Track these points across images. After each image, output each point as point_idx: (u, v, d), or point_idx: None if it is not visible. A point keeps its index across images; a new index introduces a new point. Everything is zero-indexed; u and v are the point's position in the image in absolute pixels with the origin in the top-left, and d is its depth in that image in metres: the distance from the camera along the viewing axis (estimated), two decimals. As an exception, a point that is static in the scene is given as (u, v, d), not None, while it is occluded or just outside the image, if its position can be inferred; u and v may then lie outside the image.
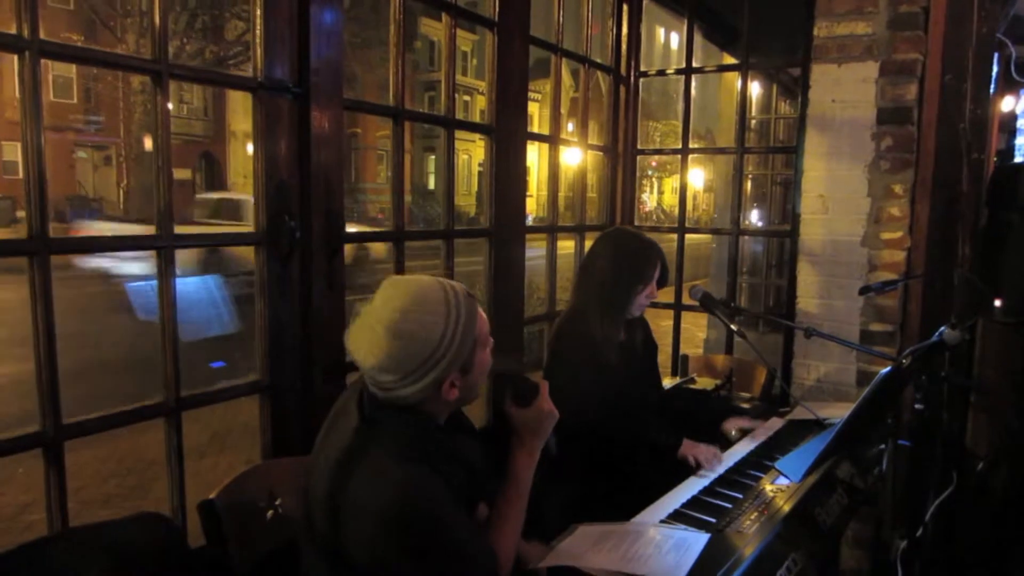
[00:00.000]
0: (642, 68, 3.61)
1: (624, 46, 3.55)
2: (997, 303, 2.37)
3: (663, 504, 1.77)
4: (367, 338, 1.30)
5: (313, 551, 1.33)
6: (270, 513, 1.60)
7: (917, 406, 1.97)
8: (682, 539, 1.49)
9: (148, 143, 19.12)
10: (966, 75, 2.72)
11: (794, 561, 1.57)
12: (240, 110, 25.56)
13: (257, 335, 1.92)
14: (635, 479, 2.12)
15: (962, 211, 2.53)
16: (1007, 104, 4.85)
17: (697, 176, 27.52)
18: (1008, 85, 4.25)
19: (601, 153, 3.57)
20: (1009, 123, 4.88)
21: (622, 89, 3.56)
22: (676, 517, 1.70)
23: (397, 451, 1.26)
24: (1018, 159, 4.60)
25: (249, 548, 1.56)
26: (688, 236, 3.57)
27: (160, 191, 1.68)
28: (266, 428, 1.93)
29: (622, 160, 3.60)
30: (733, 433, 2.32)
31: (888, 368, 1.72)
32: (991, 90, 2.84)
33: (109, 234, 12.08)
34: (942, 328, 1.76)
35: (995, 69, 2.94)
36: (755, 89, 6.48)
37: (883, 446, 2.05)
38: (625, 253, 2.31)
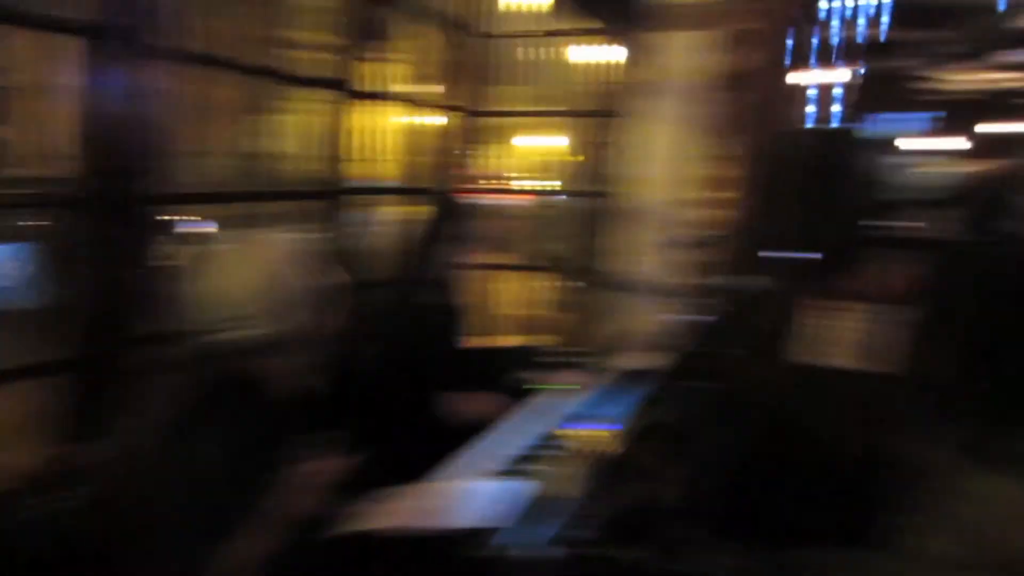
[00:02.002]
0: (494, 29, 3.59)
1: (472, 5, 3.51)
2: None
3: (483, 457, 1.80)
4: None
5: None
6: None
7: (731, 351, 2.12)
8: (500, 489, 1.52)
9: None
10: (784, 48, 2.92)
11: (617, 505, 1.66)
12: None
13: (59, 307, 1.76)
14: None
15: (776, 174, 2.72)
16: (824, 76, 5.27)
17: (558, 141, 28.02)
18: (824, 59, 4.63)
19: (452, 115, 3.53)
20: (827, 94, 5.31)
21: (468, 48, 3.52)
22: (500, 471, 1.74)
23: None
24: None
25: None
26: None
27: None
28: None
29: (466, 122, 3.58)
30: (562, 385, 2.40)
31: (706, 317, 1.83)
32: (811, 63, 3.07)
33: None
34: (755, 280, 1.89)
35: (814, 44, 3.19)
36: (605, 54, 6.62)
37: (701, 388, 2.19)
38: (438, 216, 2.32)
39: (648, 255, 3.00)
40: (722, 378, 2.40)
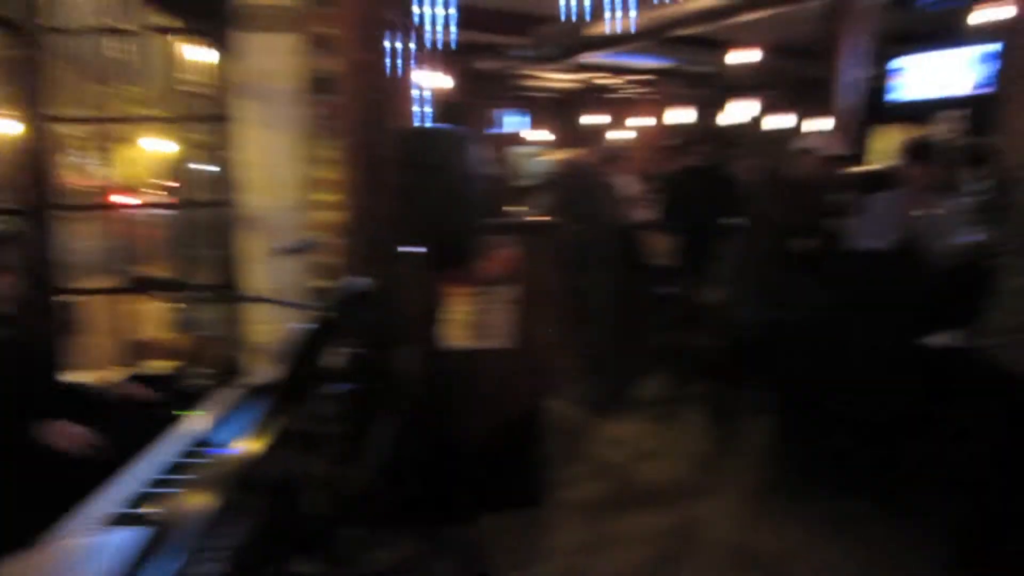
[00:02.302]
0: (56, 24, 3.11)
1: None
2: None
3: (108, 500, 1.62)
4: None
5: None
6: None
7: (357, 351, 2.15)
8: (120, 539, 1.38)
9: None
10: (383, 51, 3.01)
11: (241, 525, 1.58)
12: None
13: None
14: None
15: (383, 173, 2.83)
16: (427, 78, 5.61)
17: (170, 147, 25.69)
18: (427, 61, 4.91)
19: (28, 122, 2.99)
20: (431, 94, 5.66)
21: (32, 48, 3.02)
22: (113, 519, 1.56)
23: None
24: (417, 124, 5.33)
25: None
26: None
27: None
28: None
29: (37, 130, 3.08)
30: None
31: (312, 322, 1.83)
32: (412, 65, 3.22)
33: None
34: (361, 279, 1.95)
35: (412, 47, 3.35)
36: (199, 54, 6.22)
37: (340, 391, 2.20)
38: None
39: (266, 263, 2.91)
40: (359, 375, 2.45)
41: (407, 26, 3.40)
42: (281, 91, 2.88)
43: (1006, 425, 2.18)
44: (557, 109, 12.09)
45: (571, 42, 7.37)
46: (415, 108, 3.69)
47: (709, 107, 10.71)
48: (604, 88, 11.53)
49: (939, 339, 2.74)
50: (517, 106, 10.98)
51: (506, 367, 3.21)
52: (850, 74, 3.81)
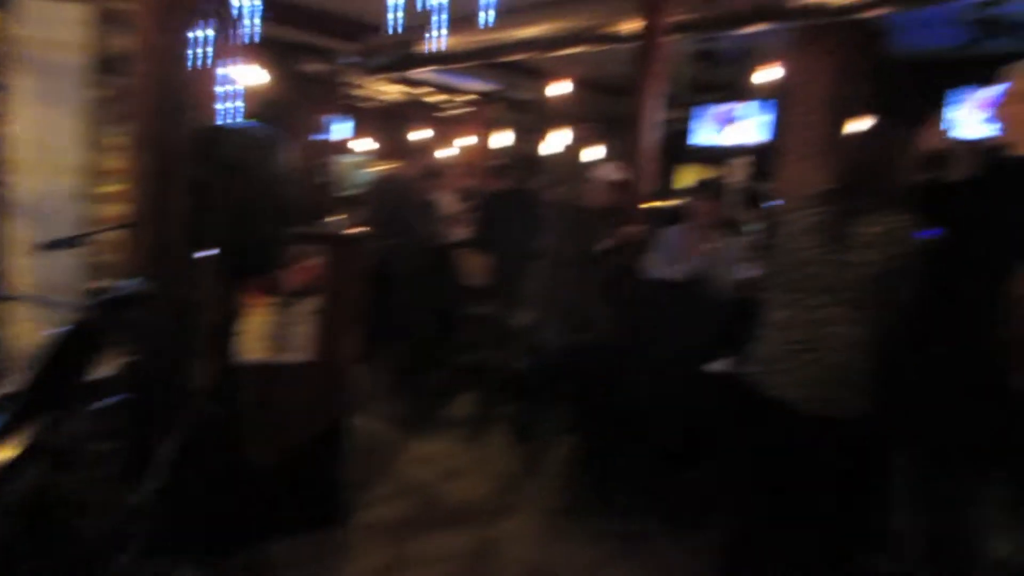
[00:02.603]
0: None
1: None
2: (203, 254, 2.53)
3: None
4: None
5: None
6: None
7: (132, 360, 1.96)
8: None
9: None
10: (185, 37, 2.77)
11: None
12: None
13: None
14: None
15: (175, 167, 2.60)
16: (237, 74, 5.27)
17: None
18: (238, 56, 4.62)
19: None
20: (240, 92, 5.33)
21: None
22: None
23: None
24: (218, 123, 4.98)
25: None
26: None
27: None
28: None
29: None
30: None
31: (68, 326, 1.63)
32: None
33: None
34: (131, 281, 1.77)
35: (225, 38, 3.12)
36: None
37: (110, 404, 1.98)
38: None
39: (35, 256, 2.58)
40: (135, 387, 2.22)
41: (221, 15, 3.17)
42: (65, 66, 2.58)
43: (764, 447, 2.40)
44: (383, 120, 11.95)
45: (399, 55, 7.33)
46: (224, 104, 3.44)
47: (529, 133, 11.10)
48: (431, 104, 11.58)
49: (718, 366, 2.98)
50: (345, 113, 10.72)
51: (307, 382, 3.08)
52: (655, 115, 4.09)
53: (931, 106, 3.79)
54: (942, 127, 2.57)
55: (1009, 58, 2.34)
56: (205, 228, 2.40)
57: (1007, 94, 2.27)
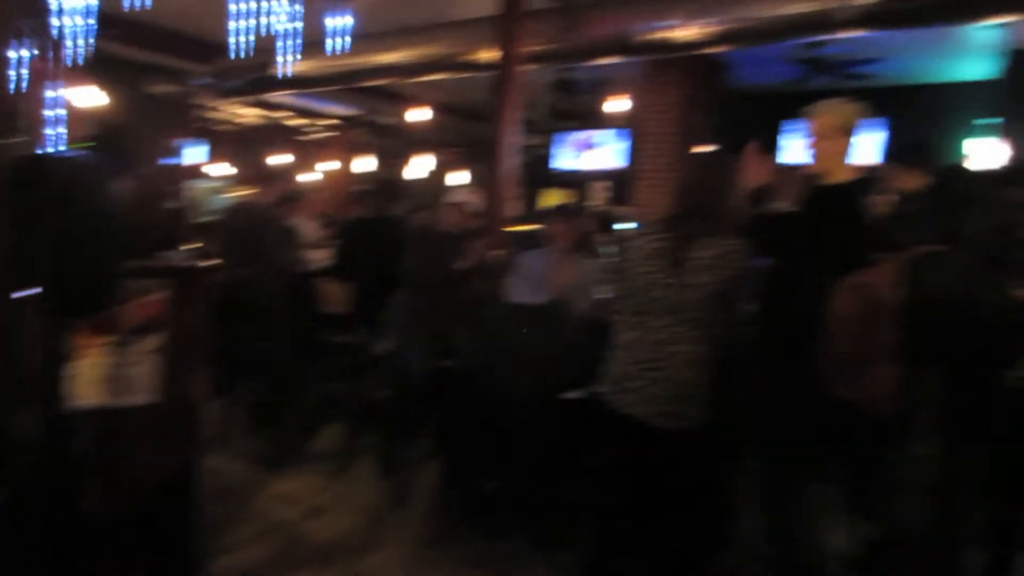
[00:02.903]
0: None
1: None
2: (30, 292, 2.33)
3: None
4: None
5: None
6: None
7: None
8: None
9: None
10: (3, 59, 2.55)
11: None
12: None
13: None
14: None
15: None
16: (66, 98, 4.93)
17: None
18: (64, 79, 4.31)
19: None
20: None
21: None
22: None
23: None
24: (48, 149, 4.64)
25: None
26: None
27: None
28: None
29: None
30: None
31: None
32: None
33: None
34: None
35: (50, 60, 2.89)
36: None
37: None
38: None
39: None
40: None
41: (39, 34, 2.95)
42: None
43: (621, 462, 2.49)
44: (241, 144, 11.52)
45: (254, 78, 7.11)
46: (55, 129, 3.16)
47: (391, 158, 11.05)
48: (292, 128, 11.30)
49: (576, 394, 3.06)
50: (199, 136, 10.22)
51: (152, 425, 2.89)
52: (514, 141, 4.19)
53: (768, 136, 4.14)
54: (769, 157, 2.80)
55: (828, 94, 2.61)
56: (27, 264, 2.21)
57: (813, 132, 2.53)
